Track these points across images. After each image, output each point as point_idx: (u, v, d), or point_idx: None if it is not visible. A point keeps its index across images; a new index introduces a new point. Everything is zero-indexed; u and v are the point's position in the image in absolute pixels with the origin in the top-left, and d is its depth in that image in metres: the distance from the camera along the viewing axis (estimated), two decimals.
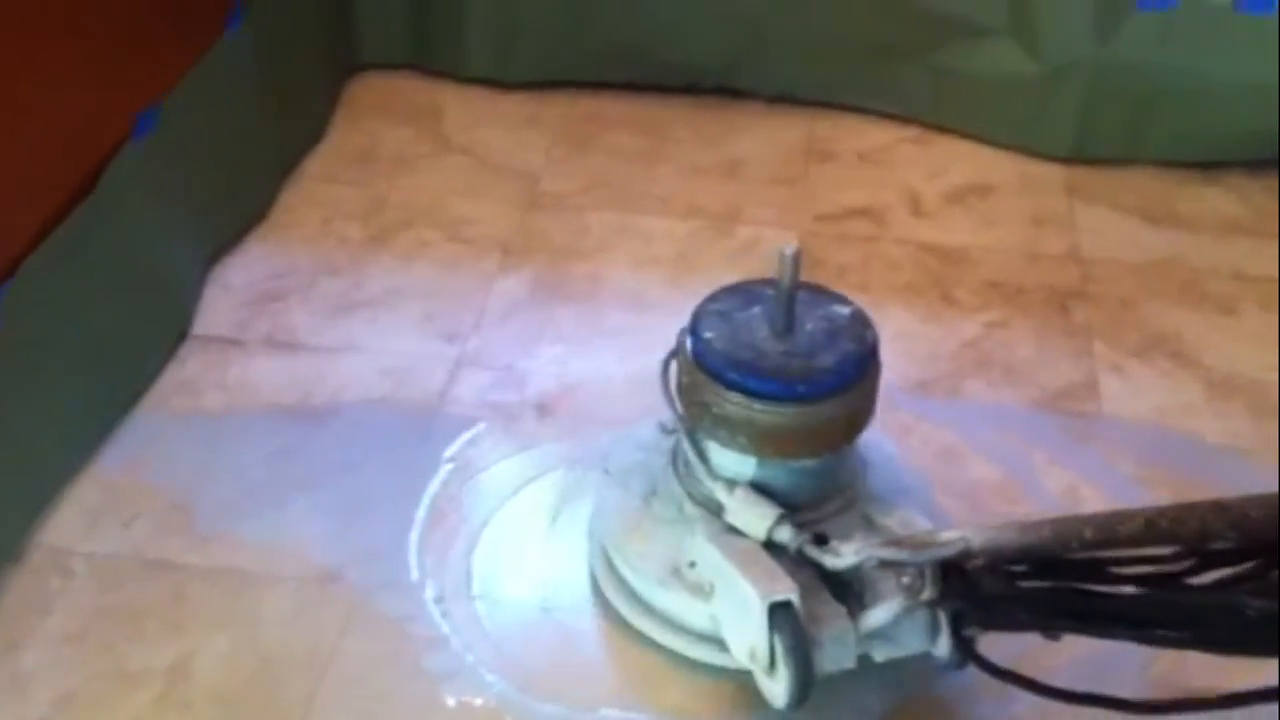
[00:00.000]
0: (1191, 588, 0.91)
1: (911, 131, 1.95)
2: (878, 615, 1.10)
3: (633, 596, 1.25)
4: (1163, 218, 1.80)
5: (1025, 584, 1.01)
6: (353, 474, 1.41)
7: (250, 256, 1.69)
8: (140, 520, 1.35)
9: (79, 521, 1.35)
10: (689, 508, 1.23)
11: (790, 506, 1.17)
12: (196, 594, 1.29)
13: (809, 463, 1.18)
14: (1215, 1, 1.75)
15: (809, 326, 1.18)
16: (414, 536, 1.35)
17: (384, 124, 1.95)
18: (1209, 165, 1.87)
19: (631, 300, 1.67)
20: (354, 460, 1.43)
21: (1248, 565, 0.89)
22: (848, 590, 1.13)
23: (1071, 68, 1.83)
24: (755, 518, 1.15)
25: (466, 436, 1.46)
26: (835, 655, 1.11)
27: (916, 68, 1.93)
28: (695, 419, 1.19)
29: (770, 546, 1.15)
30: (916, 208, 1.81)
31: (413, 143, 1.92)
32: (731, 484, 1.18)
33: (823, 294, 1.22)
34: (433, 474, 1.41)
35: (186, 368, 1.53)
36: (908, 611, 1.08)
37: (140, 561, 1.32)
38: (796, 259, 1.14)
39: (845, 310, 1.21)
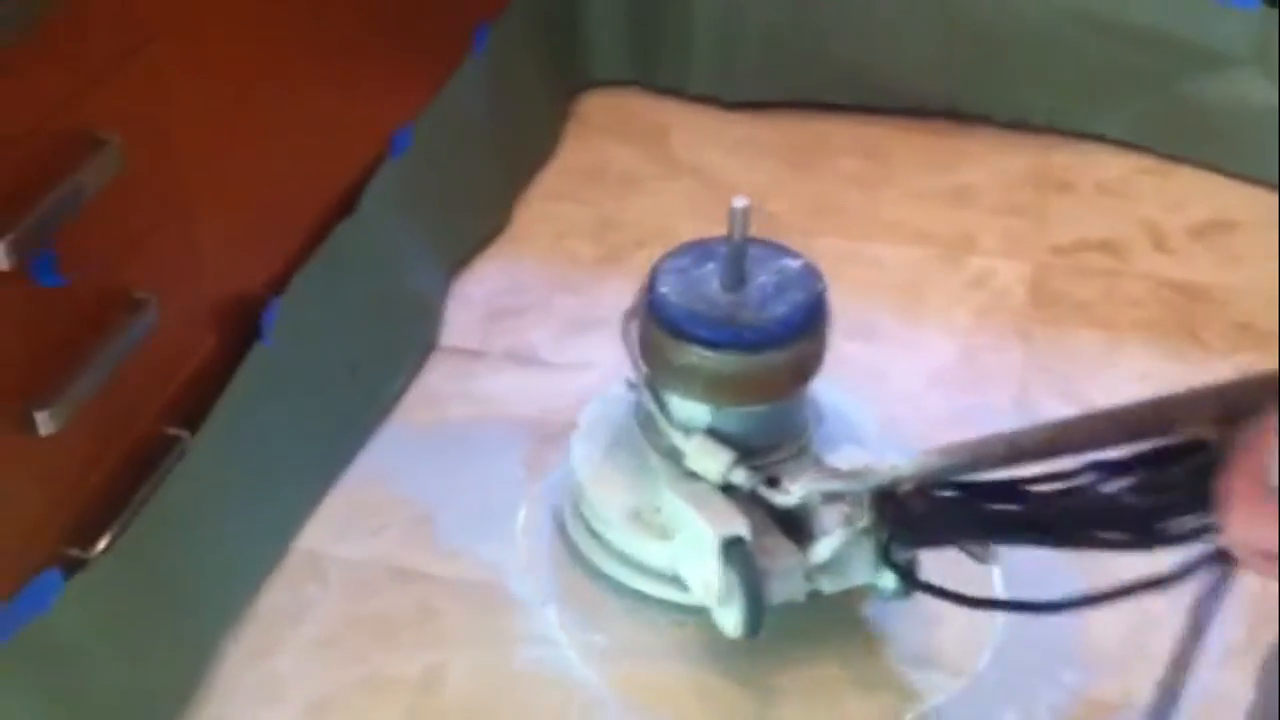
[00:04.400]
0: (1085, 491, 0.95)
1: (1149, 162, 1.89)
2: (824, 547, 1.18)
3: (595, 537, 1.33)
4: None
5: (945, 497, 1.08)
6: None
7: (488, 271, 1.71)
8: (389, 530, 1.39)
9: (331, 529, 1.39)
10: (653, 458, 1.30)
11: (746, 452, 1.23)
12: (445, 607, 1.31)
13: (761, 409, 1.25)
14: None
15: (760, 279, 1.25)
16: None
17: (612, 142, 1.97)
18: None
19: (860, 330, 1.64)
20: None
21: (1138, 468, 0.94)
22: (799, 529, 1.21)
23: None
24: (712, 462, 1.22)
25: None
26: (785, 587, 1.20)
27: (1155, 96, 1.88)
28: (654, 371, 1.26)
29: (727, 489, 1.22)
30: (1158, 242, 1.76)
31: (640, 161, 1.93)
32: (689, 431, 1.25)
33: (774, 248, 1.28)
34: None
35: (432, 379, 1.56)
36: (849, 540, 1.16)
37: (390, 570, 1.35)
38: (745, 214, 1.21)
39: (795, 264, 1.27)
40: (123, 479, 1.12)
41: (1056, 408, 1.52)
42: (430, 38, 1.59)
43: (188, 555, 1.20)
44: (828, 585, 1.22)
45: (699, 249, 1.28)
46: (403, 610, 1.31)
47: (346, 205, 1.42)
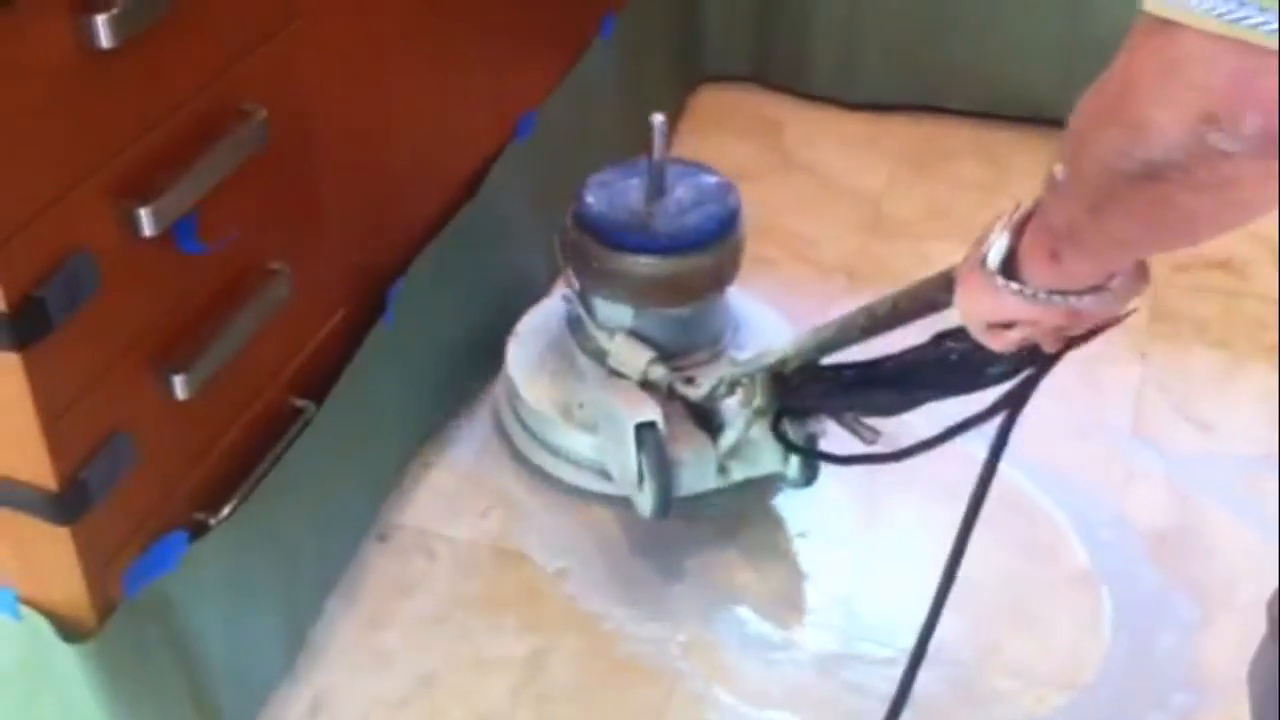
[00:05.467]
0: (926, 353, 1.01)
1: None
2: (730, 432, 1.28)
3: (529, 434, 1.43)
4: None
5: (821, 373, 1.18)
6: None
7: None
8: (494, 511, 1.40)
9: (438, 507, 1.40)
10: (580, 358, 1.39)
11: (666, 354, 1.34)
12: (549, 591, 1.32)
13: (679, 311, 1.35)
14: None
15: (679, 193, 1.34)
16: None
17: (726, 136, 1.96)
18: None
19: None
20: None
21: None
22: (711, 424, 1.32)
23: None
24: (633, 358, 1.33)
25: None
26: (697, 472, 1.31)
27: None
28: (581, 275, 1.35)
29: (646, 385, 1.32)
30: None
31: (754, 157, 1.93)
32: (612, 332, 1.35)
33: (694, 166, 1.38)
34: None
35: None
36: (749, 421, 1.24)
37: (496, 552, 1.36)
38: (664, 128, 1.31)
39: (712, 180, 1.37)
40: (249, 446, 1.14)
41: (1175, 427, 1.50)
42: (559, 24, 1.59)
43: (300, 523, 1.22)
44: (738, 472, 1.32)
45: (626, 166, 1.37)
46: (508, 591, 1.32)
47: (470, 186, 1.43)
